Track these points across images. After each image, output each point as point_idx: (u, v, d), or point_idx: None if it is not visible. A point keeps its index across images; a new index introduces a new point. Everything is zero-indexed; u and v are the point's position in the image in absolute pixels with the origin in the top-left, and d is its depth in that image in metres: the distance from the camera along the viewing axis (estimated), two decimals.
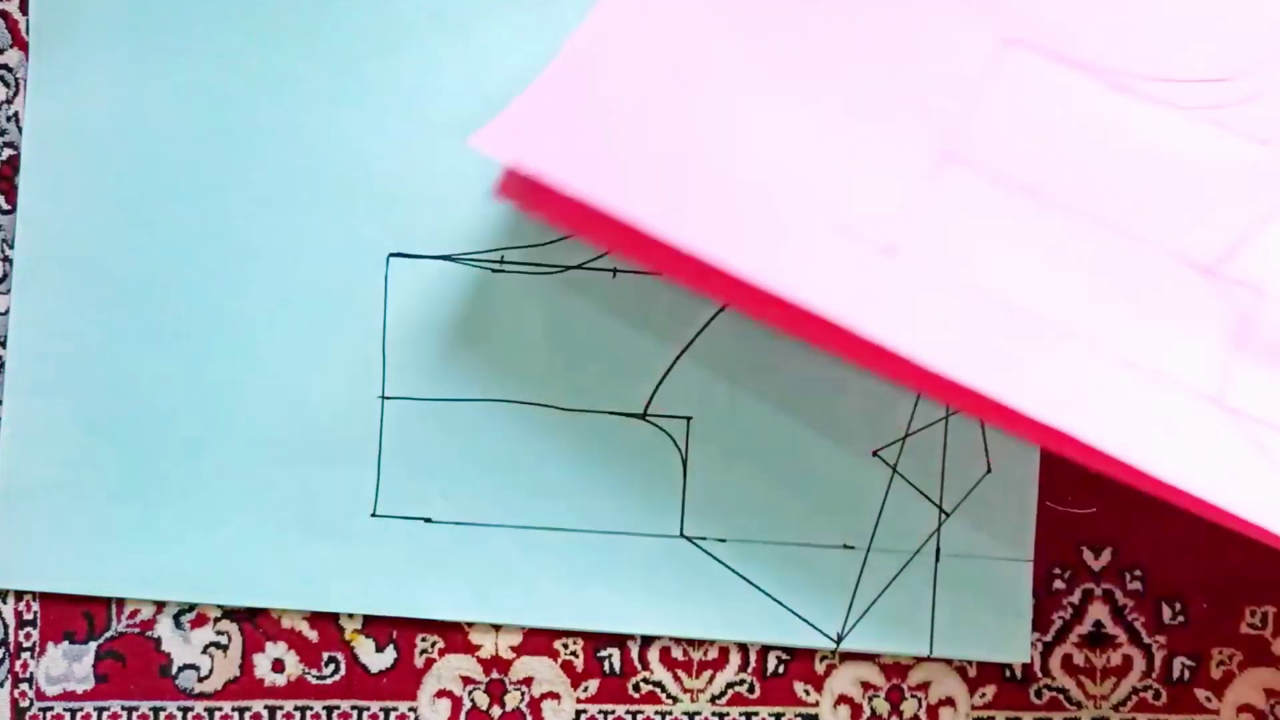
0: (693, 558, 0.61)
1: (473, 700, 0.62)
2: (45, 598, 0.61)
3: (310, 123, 0.61)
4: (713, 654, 0.62)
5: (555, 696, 0.62)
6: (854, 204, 0.49)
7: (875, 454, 0.61)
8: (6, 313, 0.61)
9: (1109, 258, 0.49)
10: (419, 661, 0.62)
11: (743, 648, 0.62)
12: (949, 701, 0.62)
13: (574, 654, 0.62)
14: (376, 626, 0.62)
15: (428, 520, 0.61)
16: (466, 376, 0.61)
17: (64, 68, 0.61)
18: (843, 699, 0.62)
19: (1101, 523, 0.62)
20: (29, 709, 0.61)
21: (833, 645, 0.61)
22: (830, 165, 0.50)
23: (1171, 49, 0.52)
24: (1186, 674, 0.62)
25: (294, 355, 0.61)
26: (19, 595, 0.61)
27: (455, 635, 0.62)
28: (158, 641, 0.62)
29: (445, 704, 0.62)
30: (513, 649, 0.62)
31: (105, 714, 0.62)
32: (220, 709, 0.62)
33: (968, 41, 0.51)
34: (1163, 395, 0.47)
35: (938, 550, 0.61)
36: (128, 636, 0.62)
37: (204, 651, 0.62)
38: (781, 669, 0.62)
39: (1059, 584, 0.62)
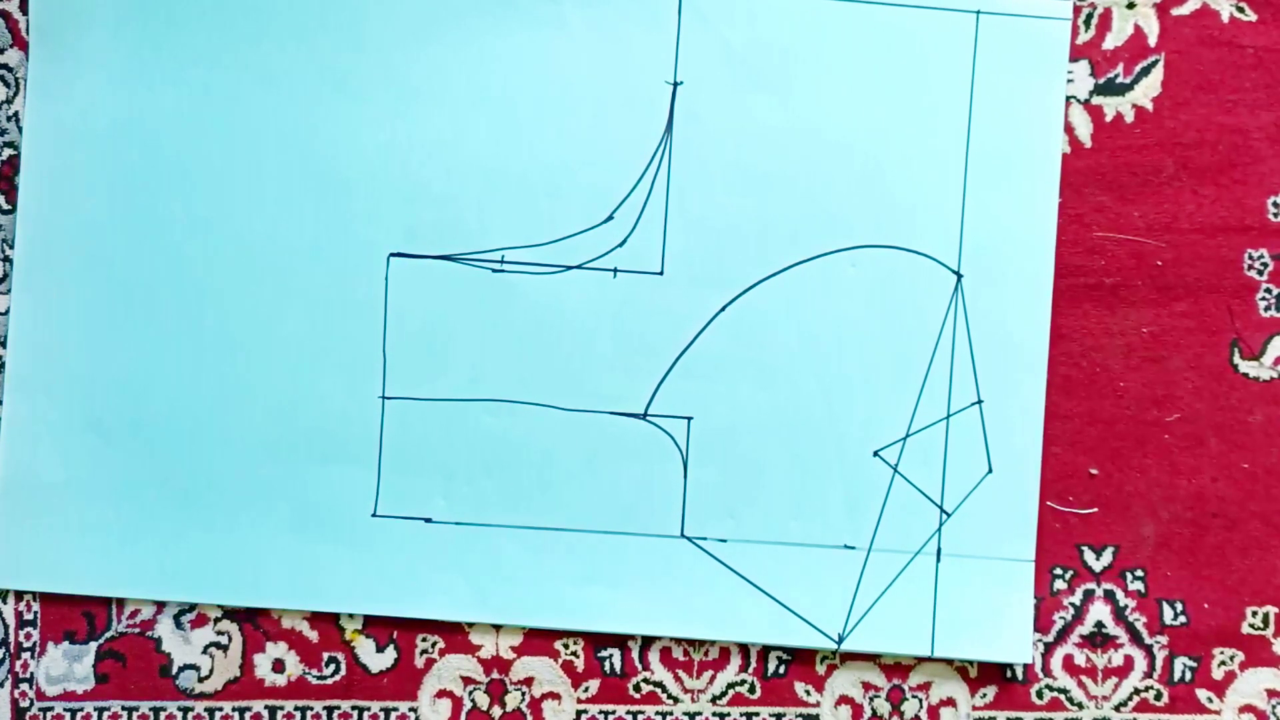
0: (693, 558, 0.61)
1: (473, 700, 0.62)
2: (45, 598, 0.61)
3: (310, 123, 0.61)
4: (713, 654, 0.62)
5: (556, 696, 0.62)
6: None
7: (876, 454, 0.61)
8: (6, 313, 0.61)
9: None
10: (419, 661, 0.62)
11: (743, 648, 0.62)
12: (950, 702, 0.62)
13: (574, 654, 0.62)
14: (377, 626, 0.62)
15: (428, 520, 0.61)
16: (466, 376, 0.61)
17: (64, 68, 0.61)
18: (844, 699, 0.62)
19: (1102, 523, 0.62)
20: (29, 709, 0.61)
21: (834, 645, 0.61)
22: None
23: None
24: (1188, 674, 0.62)
25: (294, 355, 0.61)
26: (19, 595, 0.61)
27: (455, 635, 0.62)
28: (158, 641, 0.62)
29: (445, 704, 0.62)
30: (513, 649, 0.62)
31: (105, 714, 0.62)
32: (220, 709, 0.62)
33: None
34: None
35: (939, 550, 0.61)
36: (128, 636, 0.62)
37: (204, 651, 0.62)
38: (782, 669, 0.62)
39: (1060, 584, 0.62)
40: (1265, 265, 0.62)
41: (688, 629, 0.61)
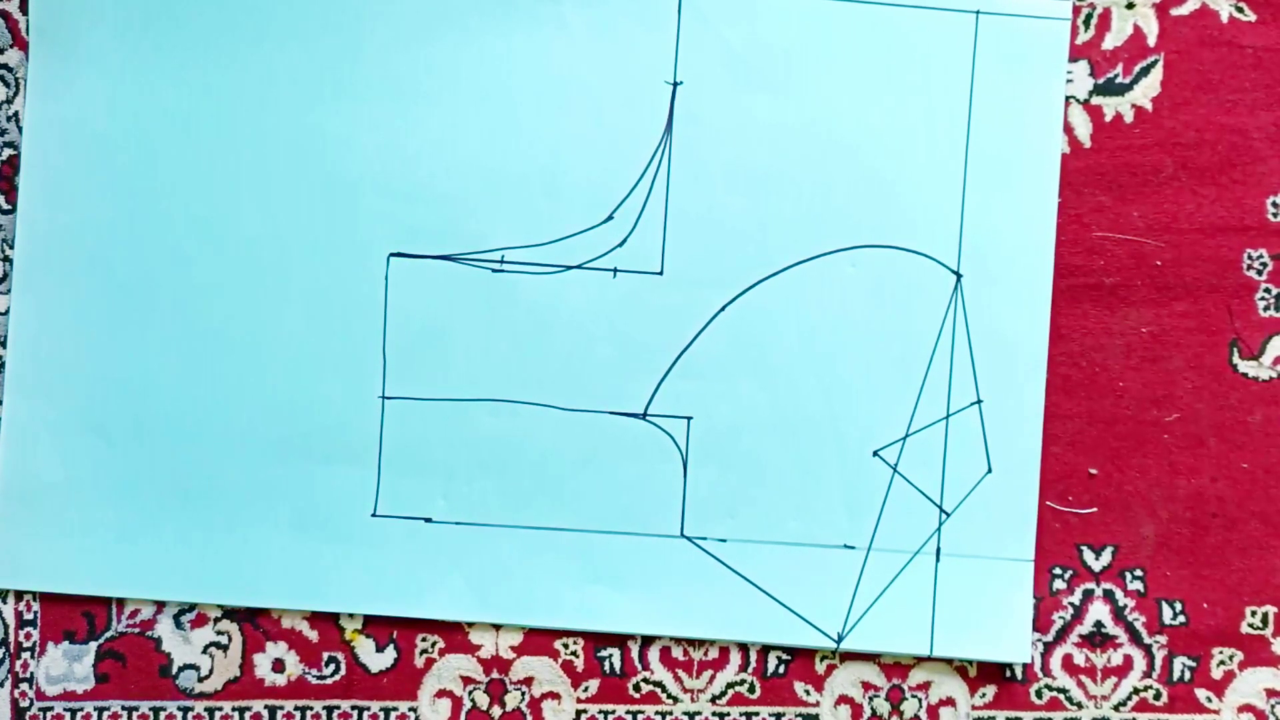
0: (693, 558, 0.61)
1: (473, 700, 0.62)
2: (45, 598, 0.61)
3: (310, 123, 0.61)
4: (713, 654, 0.62)
5: (555, 696, 0.62)
6: None
7: (876, 454, 0.61)
8: (6, 313, 0.61)
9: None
10: (419, 661, 0.62)
11: (743, 648, 0.62)
12: (949, 701, 0.62)
13: (574, 654, 0.62)
14: (376, 626, 0.62)
15: (428, 520, 0.61)
16: (466, 376, 0.61)
17: (64, 68, 0.61)
18: (843, 699, 0.62)
19: (1102, 523, 0.62)
20: (29, 709, 0.61)
21: (833, 645, 0.61)
22: None
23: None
24: (1187, 674, 0.62)
25: (294, 355, 0.61)
26: (19, 595, 0.61)
27: (455, 635, 0.62)
28: (158, 641, 0.62)
29: (445, 704, 0.62)
30: (513, 649, 0.62)
31: (105, 714, 0.62)
32: (220, 709, 0.62)
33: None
34: None
35: (938, 550, 0.61)
36: (128, 636, 0.62)
37: (204, 651, 0.62)
38: (782, 669, 0.62)
39: (1059, 584, 0.62)
40: (1265, 265, 0.62)
41: (688, 629, 0.61)
